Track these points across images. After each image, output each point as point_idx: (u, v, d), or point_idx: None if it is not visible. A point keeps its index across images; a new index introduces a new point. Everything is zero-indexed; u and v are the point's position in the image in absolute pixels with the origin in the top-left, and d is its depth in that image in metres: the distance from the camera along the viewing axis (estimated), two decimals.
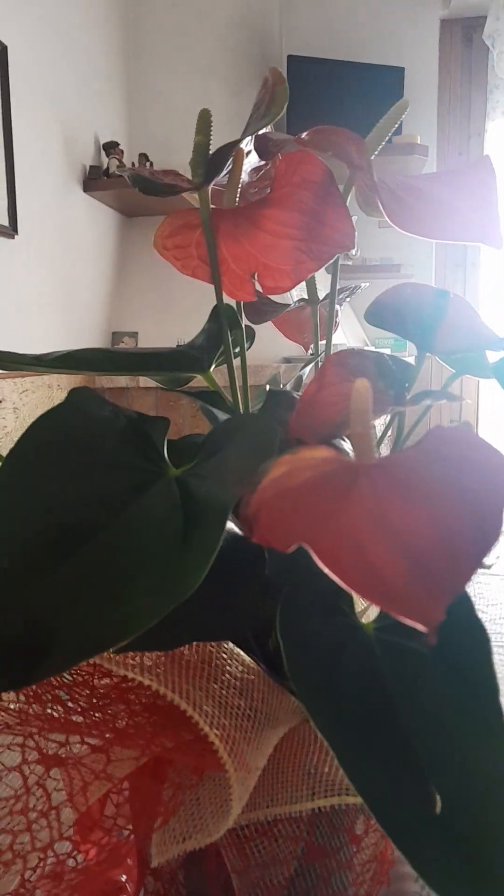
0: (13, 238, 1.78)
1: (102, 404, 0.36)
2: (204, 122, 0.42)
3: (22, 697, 0.33)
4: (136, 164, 2.29)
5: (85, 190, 2.18)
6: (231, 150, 0.40)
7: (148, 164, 2.29)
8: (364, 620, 0.35)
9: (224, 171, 0.43)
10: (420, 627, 0.22)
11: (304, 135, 0.39)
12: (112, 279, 2.44)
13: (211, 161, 0.40)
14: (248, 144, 0.43)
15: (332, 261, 0.41)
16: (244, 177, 0.46)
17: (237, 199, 0.43)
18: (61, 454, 0.33)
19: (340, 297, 0.56)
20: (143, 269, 2.50)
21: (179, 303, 2.36)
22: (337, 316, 0.55)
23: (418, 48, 2.50)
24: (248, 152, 0.44)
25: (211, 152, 0.41)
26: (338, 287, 0.49)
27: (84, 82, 2.17)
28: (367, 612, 0.43)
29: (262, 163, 0.46)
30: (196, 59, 2.41)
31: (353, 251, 0.41)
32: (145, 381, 1.99)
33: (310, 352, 0.62)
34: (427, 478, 0.27)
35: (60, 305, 2.03)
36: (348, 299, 0.58)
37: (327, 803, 0.35)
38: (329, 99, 2.47)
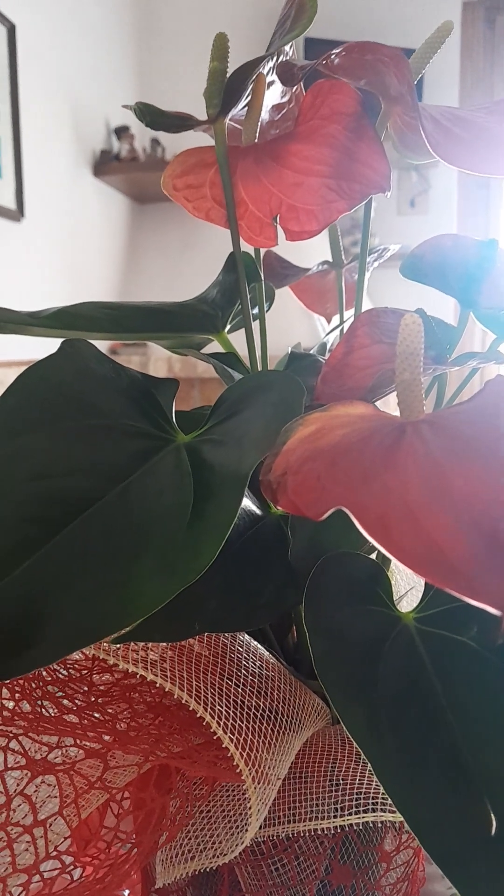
0: (20, 221, 1.73)
1: (102, 359, 0.32)
2: (220, 48, 0.37)
3: (6, 693, 0.28)
4: (148, 150, 2.24)
5: (95, 174, 2.13)
6: (251, 74, 0.35)
7: (160, 148, 2.25)
8: (401, 610, 0.30)
9: (242, 104, 0.38)
10: (492, 611, 0.17)
11: (333, 55, 0.34)
12: (122, 267, 2.40)
13: (228, 87, 0.35)
14: (269, 74, 0.38)
15: (363, 202, 0.36)
16: (264, 114, 0.41)
17: (256, 135, 0.39)
18: (53, 413, 0.29)
19: (368, 259, 0.51)
20: (155, 258, 2.45)
21: (191, 292, 2.31)
22: (365, 283, 0.50)
23: None
24: (270, 83, 0.39)
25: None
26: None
27: (95, 64, 2.13)
28: (402, 601, 0.38)
29: (284, 99, 0.42)
30: (210, 41, 2.36)
31: (387, 192, 0.36)
32: (155, 368, 1.95)
33: (331, 325, 0.57)
34: (490, 434, 0.22)
35: (68, 292, 1.99)
36: (376, 263, 0.53)
37: (358, 820, 0.30)
38: None
